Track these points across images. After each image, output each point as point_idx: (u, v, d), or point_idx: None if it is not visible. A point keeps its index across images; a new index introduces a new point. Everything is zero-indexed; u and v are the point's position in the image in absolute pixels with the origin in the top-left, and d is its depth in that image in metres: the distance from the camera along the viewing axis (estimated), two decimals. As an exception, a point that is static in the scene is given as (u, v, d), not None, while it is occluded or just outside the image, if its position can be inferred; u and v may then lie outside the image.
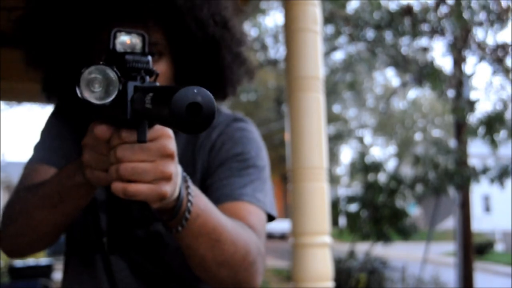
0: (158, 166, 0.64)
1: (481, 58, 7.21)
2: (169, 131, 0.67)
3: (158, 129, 0.65)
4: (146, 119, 0.62)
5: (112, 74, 0.61)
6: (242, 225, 0.88)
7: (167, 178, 0.66)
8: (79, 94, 0.60)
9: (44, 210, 0.82)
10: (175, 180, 0.69)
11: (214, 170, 0.97)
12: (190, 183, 0.76)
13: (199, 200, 0.77)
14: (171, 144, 0.66)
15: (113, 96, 0.61)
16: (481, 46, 7.09)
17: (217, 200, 0.90)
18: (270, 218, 1.00)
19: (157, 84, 0.65)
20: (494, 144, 6.88)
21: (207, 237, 0.78)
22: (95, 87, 0.60)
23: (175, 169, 0.68)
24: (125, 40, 0.67)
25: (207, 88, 0.88)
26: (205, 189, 0.93)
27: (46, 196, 0.81)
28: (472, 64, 7.92)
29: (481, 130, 6.90)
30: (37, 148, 1.01)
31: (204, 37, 0.91)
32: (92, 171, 0.70)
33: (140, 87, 0.62)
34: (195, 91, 0.52)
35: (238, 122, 1.04)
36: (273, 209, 1.00)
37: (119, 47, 0.67)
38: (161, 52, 0.90)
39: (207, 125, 0.53)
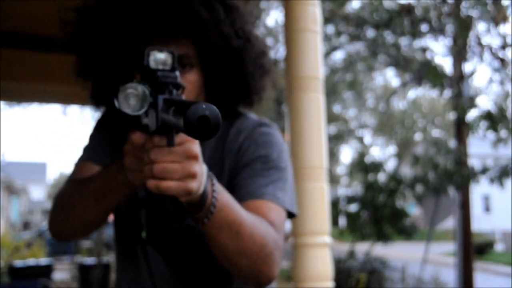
0: (184, 166, 0.76)
1: (481, 56, 7.21)
2: None
3: (184, 135, 0.75)
4: (173, 127, 0.72)
5: (145, 90, 0.73)
6: (261, 220, 0.96)
7: (193, 176, 0.77)
8: (117, 106, 0.72)
9: (89, 203, 0.96)
10: (200, 178, 0.79)
11: (240, 170, 1.08)
12: (215, 181, 0.86)
13: (223, 196, 0.87)
14: (195, 148, 0.77)
15: (145, 108, 0.73)
16: (481, 43, 7.08)
17: (241, 197, 1.01)
18: (291, 215, 1.09)
19: (182, 97, 0.77)
20: (498, 139, 6.85)
21: (228, 229, 0.88)
22: (131, 100, 0.72)
23: (200, 168, 0.79)
24: (157, 57, 0.78)
25: (233, 96, 1.08)
26: (232, 187, 1.04)
27: (91, 192, 0.95)
28: (472, 62, 7.88)
29: (483, 126, 6.87)
30: (85, 149, 1.18)
31: (228, 49, 1.04)
32: (132, 172, 0.82)
33: (168, 99, 0.73)
34: (204, 106, 0.64)
35: (262, 127, 1.14)
36: (293, 207, 1.08)
37: (152, 64, 0.78)
38: (191, 64, 1.03)
39: (215, 134, 0.64)
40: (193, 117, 0.63)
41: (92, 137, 1.20)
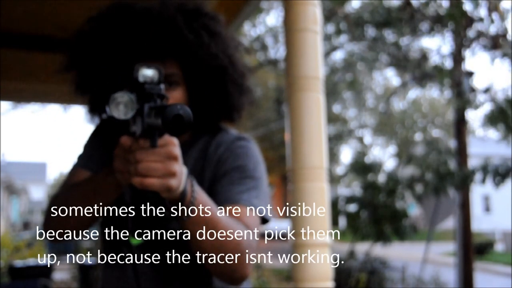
0: (166, 165, 0.84)
1: (483, 47, 7.19)
2: (175, 140, 0.86)
3: (166, 138, 0.85)
4: (156, 130, 0.82)
5: (132, 98, 0.82)
6: (236, 222, 1.05)
7: (173, 174, 0.85)
8: (108, 112, 0.83)
9: (81, 205, 1.04)
10: (180, 177, 0.88)
11: (219, 179, 1.18)
12: (194, 182, 0.95)
13: (201, 196, 0.96)
14: (176, 149, 0.86)
15: (132, 113, 0.82)
16: (482, 35, 7.07)
17: (219, 203, 1.09)
18: (265, 221, 1.18)
19: (164, 104, 0.85)
20: (509, 130, 6.81)
21: (206, 226, 0.97)
22: (120, 107, 0.81)
23: (179, 168, 0.87)
24: (146, 72, 0.86)
25: (215, 112, 1.21)
26: (211, 194, 1.11)
27: (83, 194, 1.05)
28: (473, 57, 7.89)
29: (492, 122, 6.84)
30: (80, 156, 1.29)
31: (211, 70, 1.15)
32: (120, 173, 0.91)
33: (152, 107, 0.82)
34: (178, 107, 0.79)
35: (240, 141, 1.24)
36: (266, 214, 1.17)
37: (140, 78, 0.86)
38: (177, 82, 1.14)
39: (187, 130, 0.80)
40: (169, 115, 0.78)
41: (86, 146, 1.30)
